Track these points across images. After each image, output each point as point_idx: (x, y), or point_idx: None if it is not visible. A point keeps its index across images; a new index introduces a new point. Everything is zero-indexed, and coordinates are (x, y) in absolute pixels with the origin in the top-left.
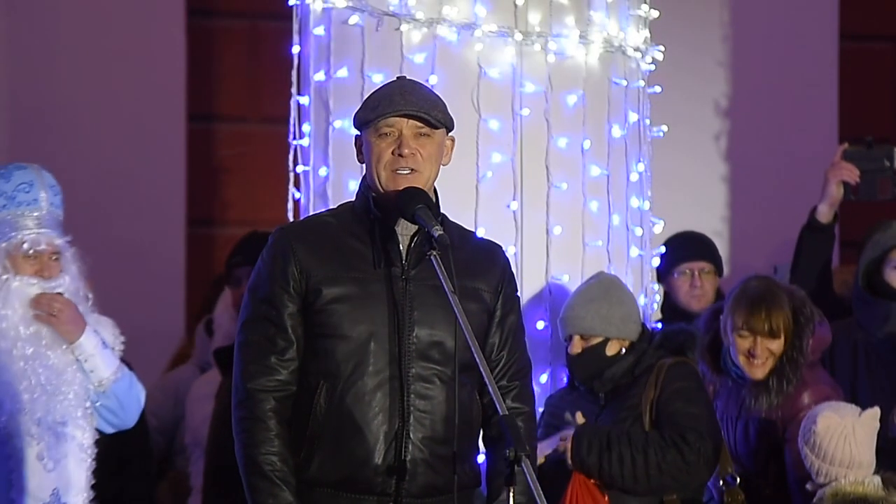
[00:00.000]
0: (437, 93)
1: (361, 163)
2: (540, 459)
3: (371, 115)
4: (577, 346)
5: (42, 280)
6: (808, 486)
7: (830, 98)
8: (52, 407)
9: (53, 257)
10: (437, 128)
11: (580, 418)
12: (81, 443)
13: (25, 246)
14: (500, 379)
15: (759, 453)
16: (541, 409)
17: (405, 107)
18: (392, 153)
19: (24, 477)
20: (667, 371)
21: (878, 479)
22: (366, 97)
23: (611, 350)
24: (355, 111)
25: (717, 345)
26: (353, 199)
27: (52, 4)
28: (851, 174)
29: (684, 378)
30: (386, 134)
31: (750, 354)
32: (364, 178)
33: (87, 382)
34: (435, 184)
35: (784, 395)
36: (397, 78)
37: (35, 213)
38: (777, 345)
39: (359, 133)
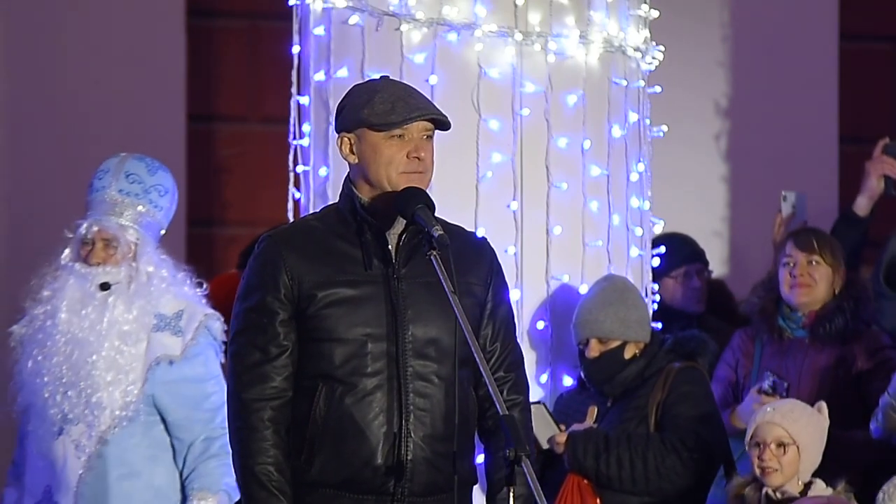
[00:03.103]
0: (438, 93)
1: (353, 162)
2: (562, 437)
3: (392, 117)
4: (594, 350)
5: (85, 265)
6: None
7: (830, 98)
8: (71, 404)
9: (107, 244)
10: (440, 130)
11: (592, 412)
12: (79, 441)
13: (80, 231)
14: (495, 370)
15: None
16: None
17: (426, 111)
18: (407, 156)
19: (24, 470)
20: (675, 374)
21: (818, 482)
22: (358, 96)
23: (628, 353)
24: (352, 110)
25: (774, 307)
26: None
27: (52, 4)
28: (893, 169)
29: (692, 382)
30: (398, 136)
31: (791, 276)
32: (347, 179)
33: (134, 389)
34: (435, 184)
35: (847, 326)
36: (382, 78)
37: (102, 199)
38: (821, 274)
39: (347, 132)
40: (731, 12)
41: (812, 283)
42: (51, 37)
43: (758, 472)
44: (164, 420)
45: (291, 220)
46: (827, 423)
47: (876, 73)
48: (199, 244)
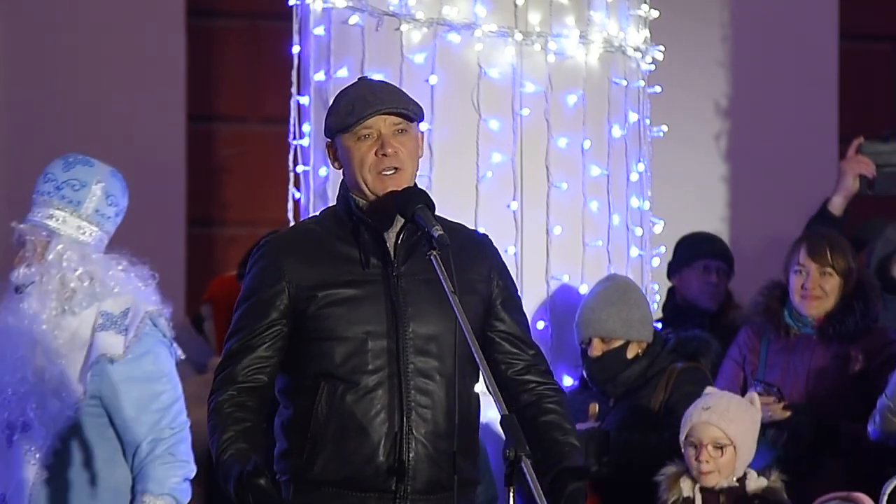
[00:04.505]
0: (438, 93)
1: (338, 169)
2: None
3: (350, 119)
4: (597, 349)
5: (12, 269)
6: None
7: (830, 98)
8: (19, 409)
9: (22, 247)
10: (412, 121)
11: (594, 410)
12: (32, 447)
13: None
14: (534, 364)
15: (830, 393)
16: None
17: (382, 105)
18: (375, 154)
19: None
20: (678, 375)
21: (751, 472)
22: (331, 104)
23: (630, 353)
24: (327, 118)
25: (780, 305)
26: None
27: (51, 4)
28: (868, 168)
29: (694, 383)
30: (365, 136)
31: (803, 288)
32: (343, 183)
33: (78, 392)
34: (435, 184)
35: (857, 325)
36: (359, 79)
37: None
38: (832, 285)
39: (329, 140)
40: (731, 12)
41: (823, 295)
42: (51, 37)
43: (694, 472)
44: (112, 422)
45: (291, 220)
46: (759, 415)
47: (876, 73)
48: (199, 244)
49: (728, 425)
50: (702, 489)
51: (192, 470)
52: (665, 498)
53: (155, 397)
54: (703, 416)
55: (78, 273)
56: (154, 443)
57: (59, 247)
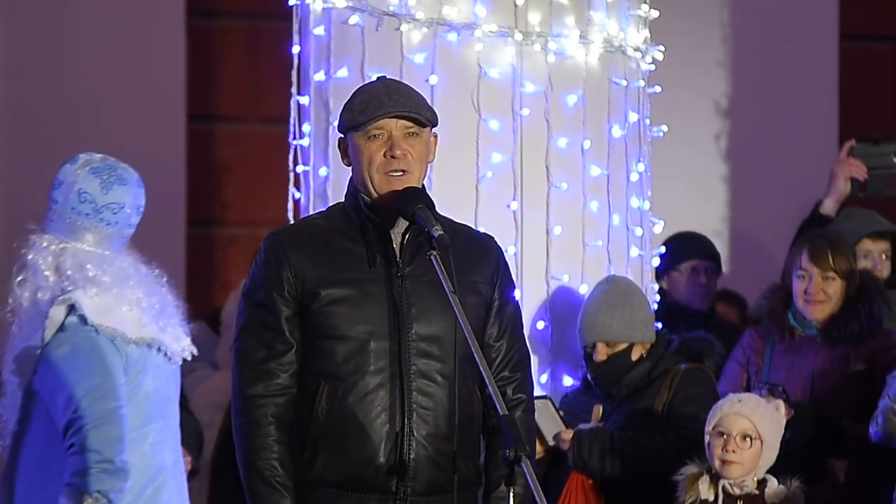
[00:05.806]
0: (438, 93)
1: (347, 165)
2: (568, 434)
3: (361, 117)
4: (602, 354)
5: None
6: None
7: (830, 98)
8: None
9: None
10: (425, 126)
11: (598, 411)
12: (4, 438)
13: None
14: (500, 370)
15: (834, 396)
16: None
17: (395, 107)
18: (384, 155)
19: None
20: (682, 376)
21: (771, 480)
22: (348, 99)
23: (635, 354)
24: (341, 114)
25: (783, 307)
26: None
27: (52, 5)
28: (860, 171)
29: (699, 384)
30: (375, 136)
31: (806, 293)
32: (351, 179)
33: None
34: (435, 184)
35: (862, 328)
36: (378, 78)
37: None
38: (834, 288)
39: (342, 136)
40: (731, 12)
41: (826, 299)
42: (51, 37)
43: (717, 462)
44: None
45: (291, 220)
46: (784, 422)
47: (876, 73)
48: (199, 244)
49: (759, 419)
50: (724, 491)
51: (101, 459)
52: (682, 498)
53: (69, 388)
54: (735, 408)
55: (46, 273)
56: (65, 433)
57: (41, 245)
